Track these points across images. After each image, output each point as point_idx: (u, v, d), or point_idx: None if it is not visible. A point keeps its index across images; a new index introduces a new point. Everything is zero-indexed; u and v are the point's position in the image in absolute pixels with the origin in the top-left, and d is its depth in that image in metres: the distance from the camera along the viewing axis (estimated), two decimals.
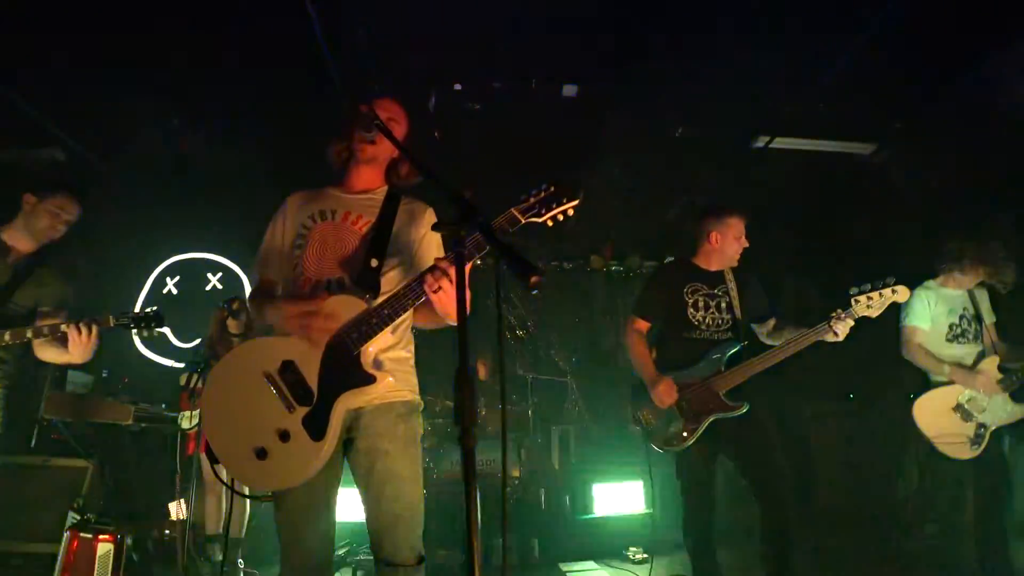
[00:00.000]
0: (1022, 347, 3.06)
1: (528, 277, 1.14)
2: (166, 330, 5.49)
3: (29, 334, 2.41)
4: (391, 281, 1.72)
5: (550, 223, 1.64)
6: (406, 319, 1.77)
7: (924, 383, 3.12)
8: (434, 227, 1.69)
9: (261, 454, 1.51)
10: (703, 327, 2.72)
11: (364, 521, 1.65)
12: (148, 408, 4.12)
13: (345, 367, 1.56)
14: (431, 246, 1.85)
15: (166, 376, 5.12)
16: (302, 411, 1.54)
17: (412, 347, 1.84)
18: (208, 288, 5.63)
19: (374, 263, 1.68)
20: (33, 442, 3.94)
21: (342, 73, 3.83)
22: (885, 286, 2.54)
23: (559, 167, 5.24)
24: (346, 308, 1.59)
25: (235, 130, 4.42)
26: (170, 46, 3.53)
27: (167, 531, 3.79)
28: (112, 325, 2.48)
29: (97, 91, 3.82)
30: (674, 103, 4.49)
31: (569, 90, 4.26)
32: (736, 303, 2.77)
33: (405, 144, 1.79)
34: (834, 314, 2.61)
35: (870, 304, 2.56)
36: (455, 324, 1.71)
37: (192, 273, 5.69)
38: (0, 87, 3.67)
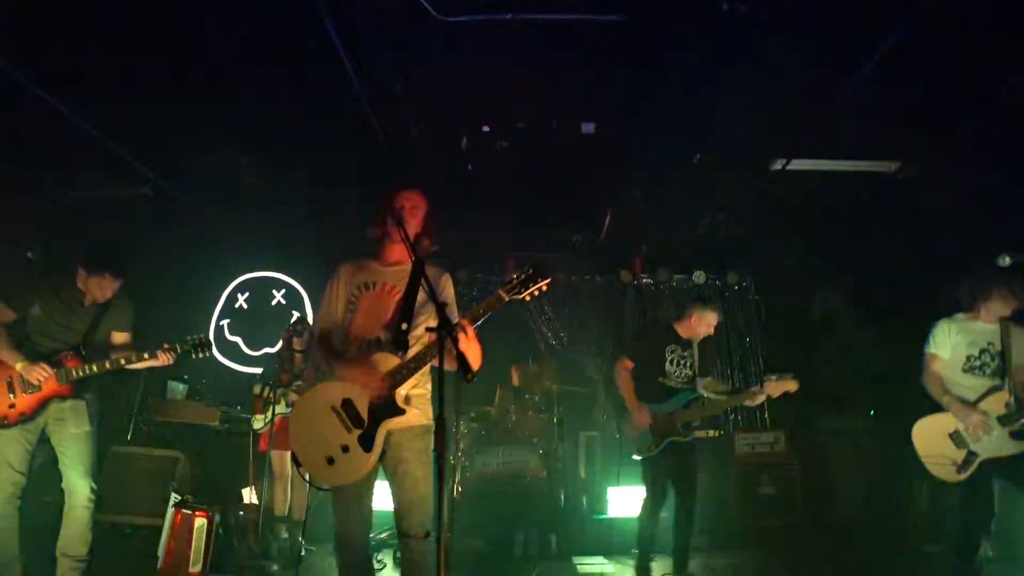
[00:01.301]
0: None
1: (466, 375, 1.83)
2: (239, 340, 6.29)
3: (122, 361, 3.15)
4: (418, 338, 2.29)
5: (528, 299, 2.21)
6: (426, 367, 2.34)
7: (931, 400, 3.29)
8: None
9: (330, 461, 2.19)
10: (673, 376, 3.74)
11: None
12: (230, 411, 4.86)
13: (385, 403, 2.20)
14: (447, 301, 2.41)
15: (239, 380, 5.89)
16: (357, 432, 2.19)
17: (429, 384, 2.39)
18: (273, 303, 6.39)
19: (404, 326, 2.23)
20: (129, 435, 4.75)
21: (381, 120, 4.40)
22: (785, 377, 3.65)
23: (583, 194, 5.66)
24: (384, 363, 2.22)
25: (293, 168, 5.07)
26: (238, 96, 4.18)
27: (242, 512, 4.49)
28: (179, 352, 3.24)
29: (179, 132, 4.51)
30: (689, 132, 4.74)
31: (587, 128, 4.64)
32: (696, 366, 3.81)
33: (427, 221, 2.45)
34: (753, 388, 3.74)
35: (775, 387, 3.62)
36: (473, 368, 2.30)
37: (260, 290, 6.46)
38: (95, 131, 4.39)
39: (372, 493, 2.31)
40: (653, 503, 3.65)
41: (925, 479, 4.71)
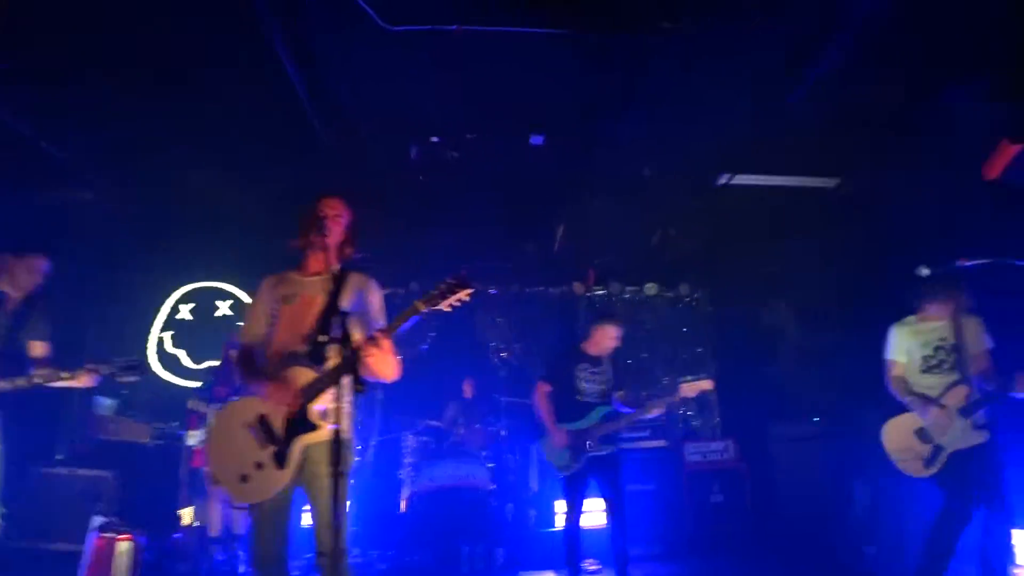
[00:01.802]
0: (1000, 375, 3.14)
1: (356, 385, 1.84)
2: (181, 353, 6.06)
3: (40, 380, 2.95)
4: (337, 351, 2.17)
5: (448, 309, 2.15)
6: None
7: (875, 403, 3.45)
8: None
9: (244, 479, 2.14)
10: (587, 393, 3.87)
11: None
12: (163, 427, 4.65)
13: (299, 419, 2.16)
14: (372, 310, 2.37)
15: (179, 395, 5.64)
16: (271, 449, 2.15)
17: (350, 398, 2.31)
18: (218, 315, 6.18)
19: (322, 339, 2.16)
20: (57, 455, 4.49)
21: (331, 128, 4.34)
22: (699, 378, 3.81)
23: (537, 202, 5.68)
24: (299, 377, 2.18)
25: (240, 176, 4.94)
26: (185, 100, 4.06)
27: (178, 534, 4.29)
28: (103, 374, 3.03)
29: (123, 137, 4.38)
30: (637, 147, 4.82)
31: (536, 140, 4.66)
32: (610, 380, 3.93)
33: (350, 227, 2.40)
34: (652, 400, 3.84)
35: (689, 389, 3.74)
36: (386, 381, 2.23)
37: (205, 301, 6.24)
38: (29, 132, 4.20)
39: (289, 510, 2.23)
40: (571, 515, 3.74)
41: (865, 483, 4.90)
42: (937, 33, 3.55)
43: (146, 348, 6.01)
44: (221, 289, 6.29)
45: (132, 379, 3.11)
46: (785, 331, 6.58)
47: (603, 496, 3.76)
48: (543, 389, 3.97)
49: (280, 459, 2.11)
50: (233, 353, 4.19)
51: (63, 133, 4.32)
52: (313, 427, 2.14)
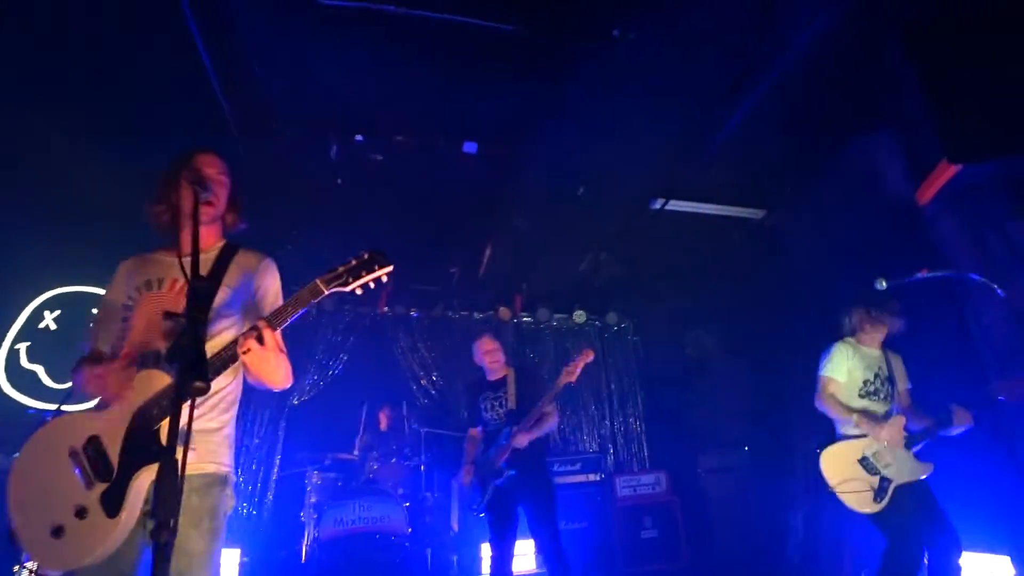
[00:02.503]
0: (927, 413, 3.08)
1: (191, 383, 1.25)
2: (39, 369, 5.10)
3: None
4: (216, 348, 1.63)
5: (359, 291, 1.67)
6: (218, 389, 1.72)
7: (831, 437, 3.14)
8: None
9: (57, 532, 1.47)
10: (489, 422, 3.68)
11: None
12: (5, 459, 3.77)
13: (145, 442, 1.52)
14: (266, 297, 1.84)
15: (32, 420, 4.71)
16: (100, 487, 1.50)
17: (228, 415, 1.78)
18: (91, 325, 5.28)
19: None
20: None
21: (239, 116, 3.81)
22: (575, 358, 3.49)
23: (465, 218, 5.34)
24: (148, 385, 1.56)
25: (130, 162, 4.24)
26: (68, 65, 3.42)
27: None
28: None
29: None
30: (574, 165, 4.66)
31: (470, 147, 4.35)
32: (512, 399, 3.65)
33: (233, 193, 1.89)
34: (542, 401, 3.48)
35: (571, 371, 3.45)
36: (274, 388, 1.72)
37: (74, 307, 5.31)
38: None
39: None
40: (497, 559, 3.38)
41: (798, 510, 4.82)
42: (850, 85, 3.76)
43: None
44: (95, 295, 5.38)
45: None
46: (711, 360, 6.57)
47: (531, 530, 3.36)
48: (472, 434, 3.81)
49: (112, 502, 1.48)
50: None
51: None
52: (163, 454, 1.50)
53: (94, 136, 3.92)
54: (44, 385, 5.07)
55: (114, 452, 1.51)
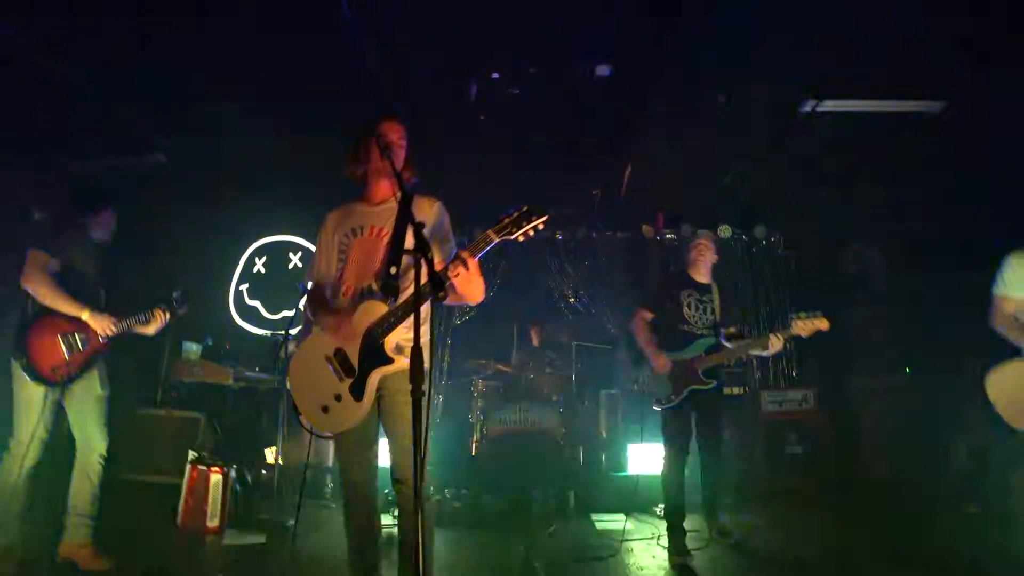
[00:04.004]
0: None
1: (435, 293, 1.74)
2: (258, 304, 6.31)
3: (132, 322, 3.09)
4: (412, 279, 2.04)
5: (522, 239, 2.01)
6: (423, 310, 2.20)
7: (1013, 355, 2.84)
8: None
9: (325, 410, 2.12)
10: (693, 322, 3.55)
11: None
12: (244, 371, 4.87)
13: (374, 352, 2.10)
14: (441, 231, 2.27)
15: (260, 343, 5.91)
16: (348, 381, 2.10)
17: (425, 327, 2.24)
18: (290, 267, 6.36)
19: (393, 270, 2.09)
20: (159, 397, 4.82)
21: (389, 73, 4.24)
22: (814, 315, 3.25)
23: (604, 140, 5.41)
24: (371, 312, 2.11)
25: (305, 129, 4.95)
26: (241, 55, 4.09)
27: (263, 470, 4.53)
28: (168, 312, 3.20)
29: (189, 102, 4.50)
30: (712, 72, 4.47)
31: (602, 70, 4.39)
32: (718, 309, 3.61)
33: (408, 154, 2.27)
34: (772, 333, 3.35)
35: (803, 326, 3.24)
36: (473, 303, 2.18)
37: (277, 253, 6.44)
38: (111, 103, 4.41)
39: (376, 443, 2.23)
40: (675, 456, 3.40)
41: (963, 439, 4.53)
42: None
43: (227, 300, 6.30)
44: (291, 242, 6.46)
45: (184, 311, 3.27)
46: (871, 275, 6.12)
47: (702, 436, 3.49)
48: (643, 316, 3.66)
49: (357, 392, 2.08)
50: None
51: (132, 96, 4.47)
52: (389, 360, 2.09)
53: (274, 106, 4.60)
54: (264, 317, 6.28)
55: (354, 358, 2.11)
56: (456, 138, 5.04)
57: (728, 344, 3.51)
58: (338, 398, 2.09)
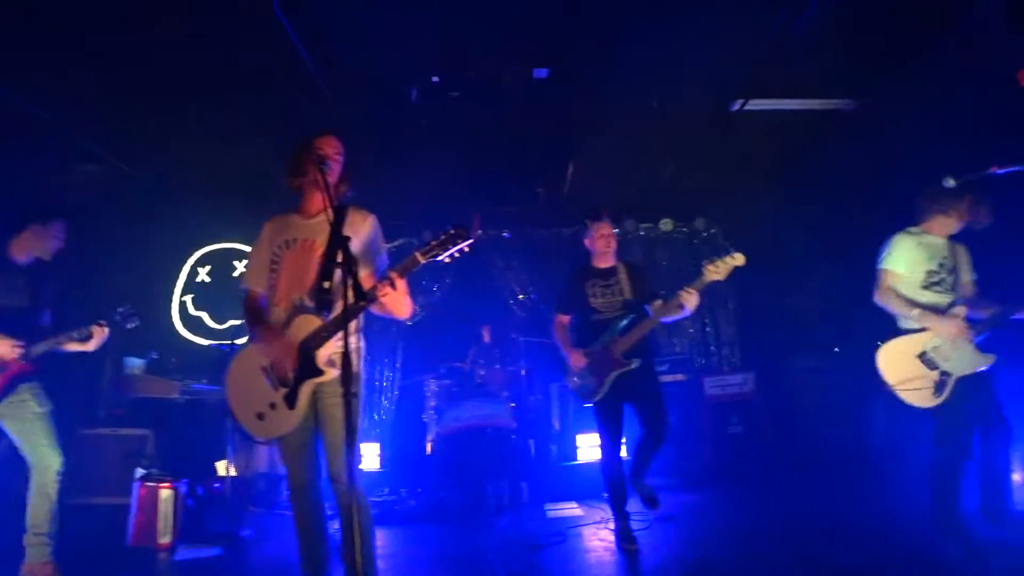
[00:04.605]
0: (991, 300, 3.02)
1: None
2: (203, 314, 6.19)
3: (62, 340, 3.07)
4: (342, 294, 2.13)
5: (448, 260, 2.18)
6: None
7: (894, 331, 3.09)
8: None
9: (260, 416, 2.25)
10: (603, 310, 3.52)
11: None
12: (191, 383, 4.81)
13: (307, 365, 2.22)
14: (372, 246, 2.36)
15: (206, 354, 5.80)
16: (283, 391, 2.23)
17: (355, 337, 2.31)
18: (235, 274, 6.27)
19: (326, 285, 2.09)
20: (102, 415, 4.70)
21: (328, 80, 4.26)
22: (727, 254, 3.22)
23: (545, 140, 5.55)
24: (304, 327, 2.22)
25: (244, 135, 4.89)
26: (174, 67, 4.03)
27: (216, 484, 4.48)
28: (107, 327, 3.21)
29: (127, 113, 4.41)
30: (645, 76, 4.66)
31: (540, 73, 4.51)
32: (627, 289, 3.55)
33: (345, 169, 2.39)
34: (682, 290, 3.22)
35: (716, 269, 3.18)
36: (400, 318, 2.35)
37: (221, 262, 6.32)
38: (46, 113, 4.27)
39: (314, 442, 2.32)
40: (609, 446, 3.45)
41: (880, 410, 4.90)
42: None
43: (170, 312, 6.16)
44: (235, 249, 6.35)
45: (134, 325, 3.29)
46: (804, 261, 6.48)
47: (640, 412, 3.42)
48: (560, 320, 3.69)
49: (290, 401, 2.20)
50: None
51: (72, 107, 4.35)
52: (320, 372, 2.21)
53: (222, 116, 4.57)
54: (208, 327, 6.17)
55: (289, 370, 2.23)
56: (399, 142, 5.08)
57: (647, 312, 3.44)
58: (273, 406, 2.21)
